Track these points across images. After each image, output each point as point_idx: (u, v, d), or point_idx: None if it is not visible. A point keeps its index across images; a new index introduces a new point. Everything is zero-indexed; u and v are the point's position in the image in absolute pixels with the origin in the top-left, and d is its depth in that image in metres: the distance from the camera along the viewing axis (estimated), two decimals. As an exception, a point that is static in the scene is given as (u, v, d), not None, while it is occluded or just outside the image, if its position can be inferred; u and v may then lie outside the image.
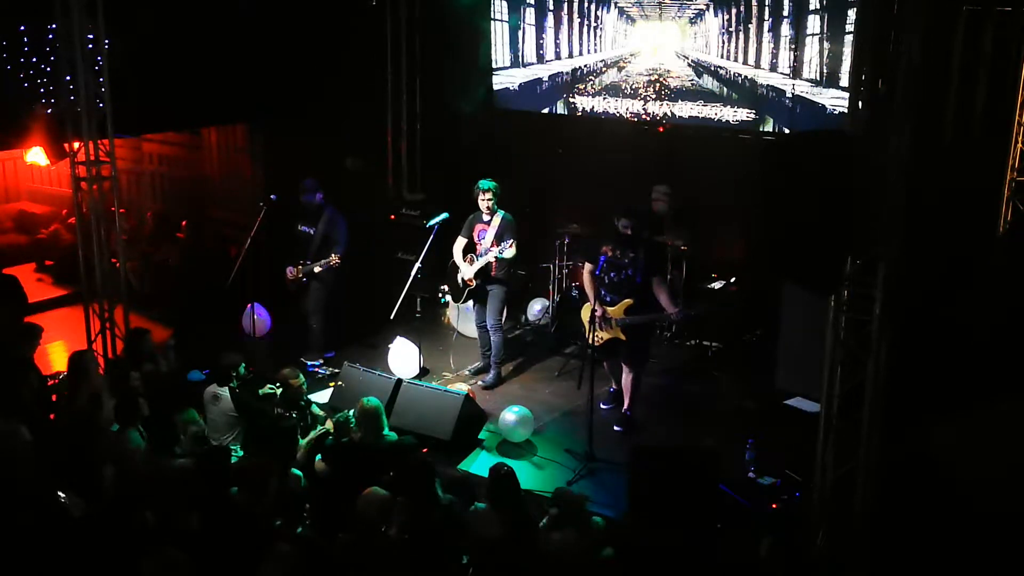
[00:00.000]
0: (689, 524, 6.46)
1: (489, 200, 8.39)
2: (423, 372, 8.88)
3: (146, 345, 7.83)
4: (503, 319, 8.79)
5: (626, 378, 7.96)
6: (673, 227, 9.58)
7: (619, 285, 7.69)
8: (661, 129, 10.44)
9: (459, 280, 8.60)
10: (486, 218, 8.48)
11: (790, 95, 9.57)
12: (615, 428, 7.93)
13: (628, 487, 6.75)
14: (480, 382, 8.69)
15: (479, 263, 8.43)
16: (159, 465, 6.23)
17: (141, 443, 6.56)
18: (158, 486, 5.79)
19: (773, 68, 9.66)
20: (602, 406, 8.14)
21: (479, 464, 7.46)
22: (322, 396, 8.51)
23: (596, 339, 7.58)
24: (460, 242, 8.60)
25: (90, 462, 6.27)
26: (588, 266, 7.82)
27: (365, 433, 6.68)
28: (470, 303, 8.81)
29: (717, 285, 9.77)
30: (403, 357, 8.77)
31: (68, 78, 8.42)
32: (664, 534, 6.33)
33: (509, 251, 8.33)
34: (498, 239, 8.38)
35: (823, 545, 5.93)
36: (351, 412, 6.99)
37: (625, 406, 8.00)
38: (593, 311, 7.49)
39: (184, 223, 12.40)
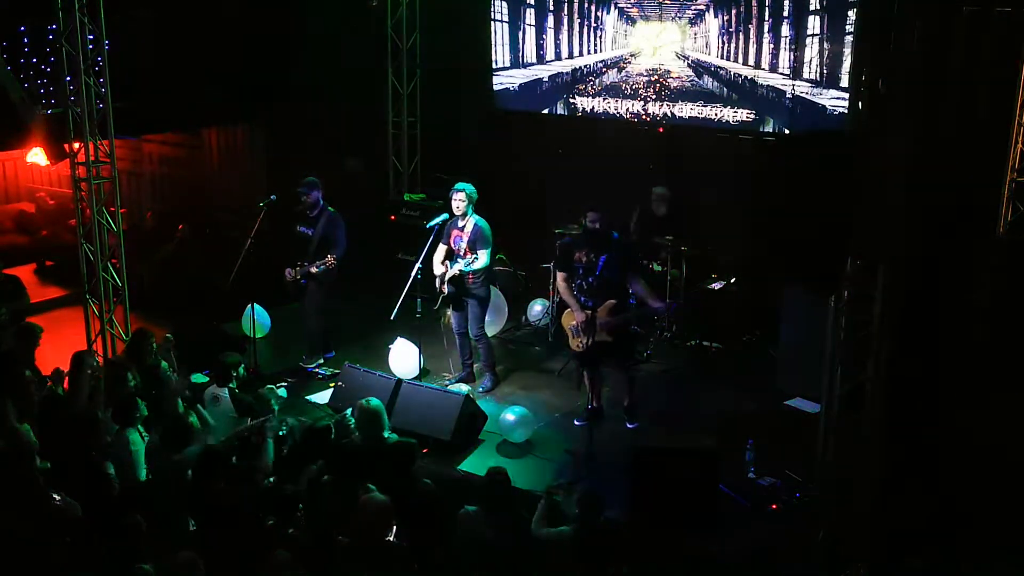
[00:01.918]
0: (689, 524, 6.46)
1: (460, 202, 8.27)
2: (423, 372, 8.87)
3: (148, 346, 7.82)
4: (485, 326, 8.73)
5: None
6: (673, 228, 9.58)
7: (597, 288, 7.57)
8: (661, 130, 10.45)
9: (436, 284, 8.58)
10: (460, 223, 8.37)
11: (790, 96, 9.58)
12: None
13: (628, 487, 6.75)
14: (480, 387, 8.67)
15: (448, 274, 8.34)
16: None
17: (141, 443, 6.56)
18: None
19: (773, 69, 9.66)
20: (576, 422, 8.02)
21: (479, 464, 7.45)
22: (322, 396, 8.51)
23: (579, 345, 7.60)
24: (440, 249, 8.51)
25: (90, 462, 6.27)
26: (561, 275, 7.78)
27: (365, 435, 6.67)
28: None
29: (717, 285, 9.78)
30: (403, 357, 8.76)
31: (68, 78, 8.42)
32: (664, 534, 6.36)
33: (478, 263, 8.25)
34: (471, 247, 8.31)
35: (823, 544, 5.93)
36: (348, 412, 6.99)
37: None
38: (591, 317, 7.40)
39: (181, 226, 12.40)
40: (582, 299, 7.59)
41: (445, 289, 8.44)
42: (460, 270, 8.25)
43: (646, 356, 9.22)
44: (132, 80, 9.35)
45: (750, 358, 9.40)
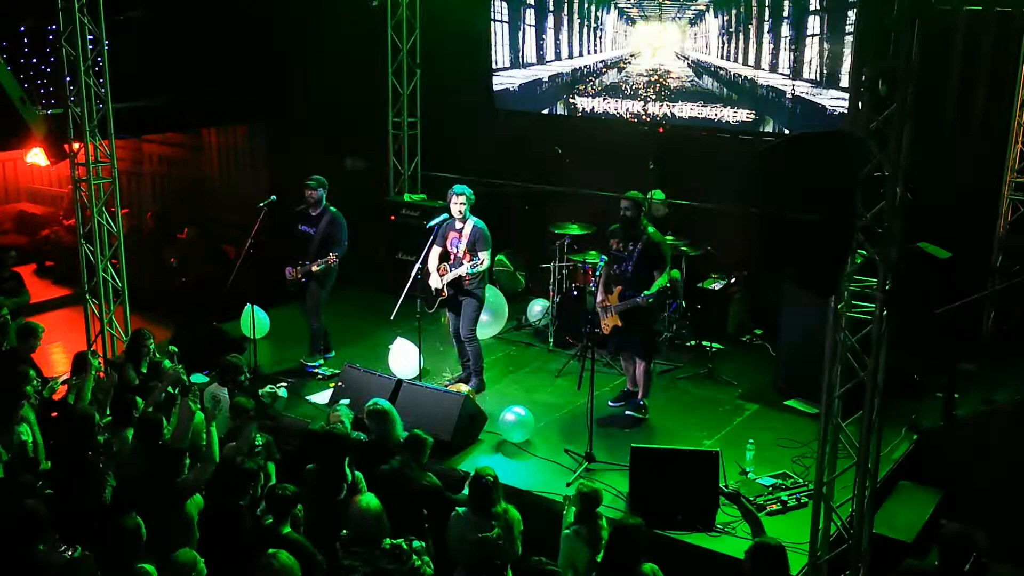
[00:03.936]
0: (689, 524, 6.46)
1: (461, 205, 8.29)
2: (423, 372, 8.87)
3: (147, 347, 7.80)
4: (485, 326, 8.74)
5: (638, 368, 8.09)
6: (672, 228, 9.58)
7: (619, 277, 7.92)
8: (661, 130, 10.44)
9: (431, 288, 8.51)
10: (458, 225, 8.37)
11: (790, 96, 9.57)
12: (626, 413, 8.07)
13: (628, 488, 6.75)
14: (465, 386, 8.65)
15: (449, 276, 8.33)
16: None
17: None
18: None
19: (773, 69, 9.66)
20: (610, 403, 8.28)
21: (479, 464, 7.43)
22: (322, 396, 8.51)
23: (604, 327, 7.99)
24: (435, 251, 8.48)
25: (91, 462, 6.26)
26: (605, 258, 8.14)
27: (382, 435, 6.70)
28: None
29: (717, 285, 9.78)
30: (403, 357, 8.76)
31: (68, 78, 8.42)
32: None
33: (481, 266, 8.28)
34: (470, 249, 8.31)
35: (822, 546, 5.93)
36: (344, 403, 7.09)
37: (640, 395, 8.11)
38: (602, 301, 7.96)
39: (186, 230, 12.41)
40: (612, 285, 7.96)
41: (445, 292, 8.41)
42: (466, 272, 8.25)
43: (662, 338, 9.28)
44: (132, 80, 9.34)
45: (750, 358, 9.40)
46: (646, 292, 7.66)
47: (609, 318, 7.96)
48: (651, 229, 7.90)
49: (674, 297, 9.38)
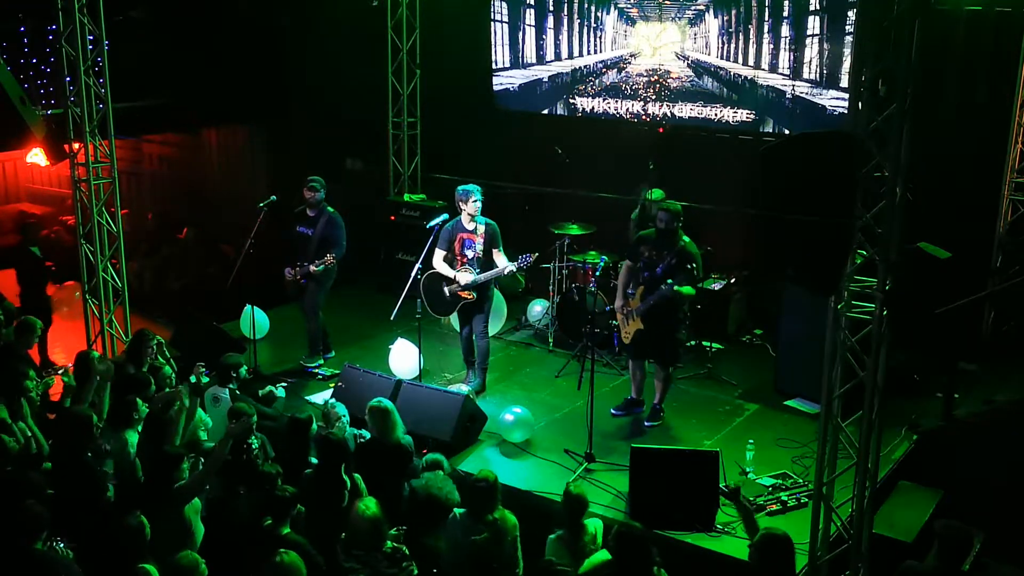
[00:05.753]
0: (689, 524, 6.46)
1: (478, 203, 8.18)
2: (423, 373, 8.86)
3: (148, 348, 7.79)
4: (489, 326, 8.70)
5: (659, 374, 8.02)
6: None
7: (650, 283, 7.76)
8: (661, 130, 10.45)
9: (446, 292, 8.38)
10: (470, 226, 8.26)
11: (790, 96, 9.58)
12: (646, 424, 8.00)
13: (628, 488, 6.75)
14: (468, 385, 8.62)
15: (488, 275, 8.17)
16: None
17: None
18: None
19: (773, 69, 9.66)
20: (613, 412, 8.16)
21: (479, 464, 7.44)
22: (322, 396, 8.51)
23: (624, 335, 7.98)
24: (439, 254, 8.34)
25: (90, 462, 6.26)
26: (626, 263, 8.02)
27: (381, 433, 6.70)
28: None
29: (717, 285, 9.78)
30: (403, 358, 8.76)
31: (68, 78, 8.43)
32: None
33: (513, 264, 8.16)
34: (487, 248, 8.21)
35: (822, 546, 5.93)
36: (332, 400, 7.19)
37: (656, 400, 8.06)
38: (623, 306, 7.89)
39: (186, 230, 12.41)
40: (629, 290, 7.91)
41: (472, 296, 8.32)
42: (513, 270, 8.20)
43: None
44: (132, 80, 9.35)
45: (750, 358, 9.40)
46: (676, 287, 7.50)
47: (631, 323, 7.87)
48: (686, 239, 7.77)
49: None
